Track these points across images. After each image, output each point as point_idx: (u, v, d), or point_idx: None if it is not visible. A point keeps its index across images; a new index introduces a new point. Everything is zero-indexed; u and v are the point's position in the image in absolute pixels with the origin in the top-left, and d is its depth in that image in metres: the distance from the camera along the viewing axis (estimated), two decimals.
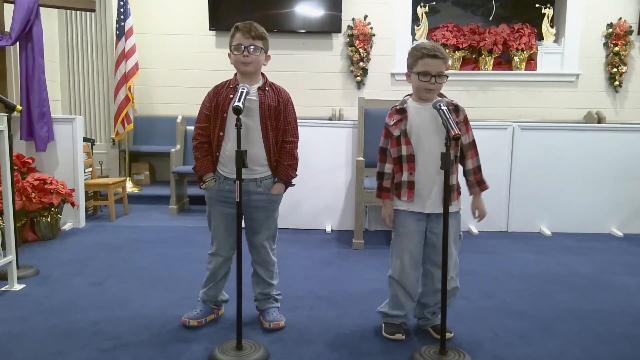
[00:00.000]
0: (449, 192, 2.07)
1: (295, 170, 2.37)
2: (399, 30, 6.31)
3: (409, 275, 2.24)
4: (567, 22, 6.30)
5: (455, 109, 2.21)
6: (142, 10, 6.20)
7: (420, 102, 2.21)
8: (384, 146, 2.26)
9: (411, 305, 2.31)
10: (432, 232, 2.22)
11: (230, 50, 2.25)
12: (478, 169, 2.25)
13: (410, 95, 2.27)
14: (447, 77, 2.16)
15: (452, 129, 1.96)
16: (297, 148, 2.37)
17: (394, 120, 2.21)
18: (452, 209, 2.18)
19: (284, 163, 2.32)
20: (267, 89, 2.29)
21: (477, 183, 2.25)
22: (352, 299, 2.76)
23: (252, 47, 2.21)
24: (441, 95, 2.21)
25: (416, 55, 2.14)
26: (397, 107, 2.24)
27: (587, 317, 2.55)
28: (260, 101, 2.25)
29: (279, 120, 2.30)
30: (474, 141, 2.25)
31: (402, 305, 2.28)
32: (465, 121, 2.23)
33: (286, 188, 2.38)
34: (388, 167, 2.25)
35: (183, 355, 2.11)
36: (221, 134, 2.27)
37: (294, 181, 2.39)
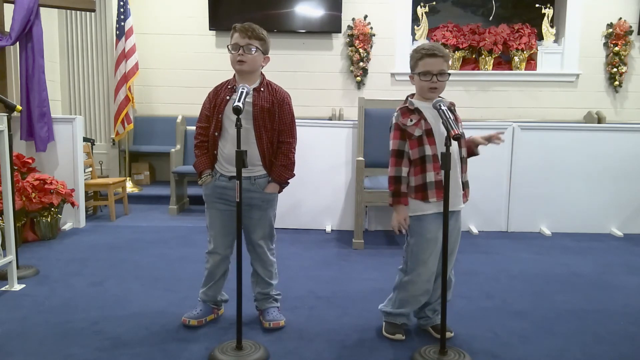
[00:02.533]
0: (448, 191, 2.07)
1: (291, 171, 2.36)
2: (399, 30, 6.31)
3: (432, 277, 2.22)
4: (567, 22, 6.29)
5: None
6: (142, 10, 6.20)
7: (426, 102, 2.19)
8: (400, 149, 2.16)
9: (425, 300, 2.29)
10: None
11: (229, 50, 2.26)
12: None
13: (412, 95, 2.26)
14: (449, 75, 2.16)
15: (453, 128, 1.96)
16: (293, 149, 2.36)
17: (413, 121, 2.15)
18: (461, 206, 2.24)
19: (277, 164, 2.32)
20: (262, 89, 2.29)
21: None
22: (352, 299, 2.76)
23: (249, 46, 2.22)
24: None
25: (416, 56, 2.15)
26: (409, 107, 2.19)
27: (587, 317, 2.55)
28: (253, 102, 2.26)
29: (274, 121, 2.30)
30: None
31: (412, 304, 2.26)
32: (460, 122, 2.25)
33: (281, 188, 2.39)
34: (405, 171, 2.18)
35: (183, 354, 2.11)
36: (216, 134, 2.29)
37: (290, 181, 2.39)
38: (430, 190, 2.15)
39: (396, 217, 2.20)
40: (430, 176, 2.15)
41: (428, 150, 2.14)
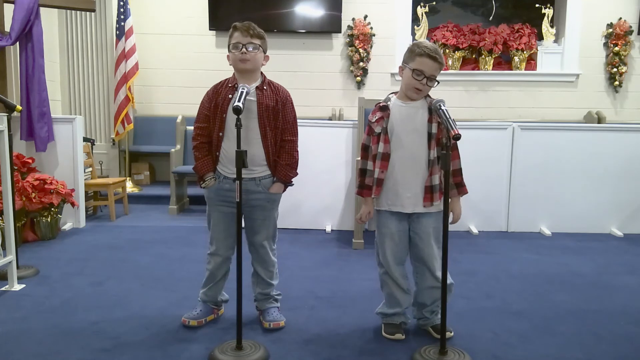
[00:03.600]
0: (448, 191, 2.07)
1: (295, 169, 2.36)
2: (399, 30, 6.31)
3: (395, 270, 2.26)
4: (567, 22, 6.30)
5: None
6: (142, 10, 6.20)
7: (404, 101, 2.22)
8: (366, 143, 2.27)
9: (408, 300, 2.31)
10: (414, 232, 2.24)
11: (229, 49, 2.26)
12: (458, 171, 2.23)
13: (395, 93, 2.28)
14: (438, 82, 2.16)
15: (453, 128, 1.96)
16: (296, 147, 2.36)
17: (376, 118, 2.22)
18: (433, 208, 2.20)
19: (282, 163, 2.32)
20: (265, 88, 2.29)
21: (456, 185, 2.23)
22: (352, 299, 2.76)
23: (250, 45, 2.21)
24: (427, 96, 2.22)
25: (417, 51, 2.13)
26: (381, 105, 2.24)
27: (587, 317, 2.55)
28: (258, 101, 2.25)
29: (278, 119, 2.30)
30: (455, 144, 2.21)
31: (398, 301, 2.29)
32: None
33: (285, 187, 2.38)
34: (370, 164, 2.25)
35: (183, 355, 2.11)
36: (220, 134, 2.27)
37: (293, 180, 2.39)
38: (375, 187, 2.22)
39: (363, 208, 2.30)
40: (376, 172, 2.21)
41: (381, 148, 2.19)
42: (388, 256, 2.25)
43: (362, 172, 2.28)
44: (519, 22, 6.37)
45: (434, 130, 2.15)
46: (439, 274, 2.19)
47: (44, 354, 2.10)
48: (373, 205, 2.28)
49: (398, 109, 2.21)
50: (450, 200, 2.22)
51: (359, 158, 2.30)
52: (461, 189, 2.24)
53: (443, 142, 2.14)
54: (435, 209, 2.20)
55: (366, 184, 2.26)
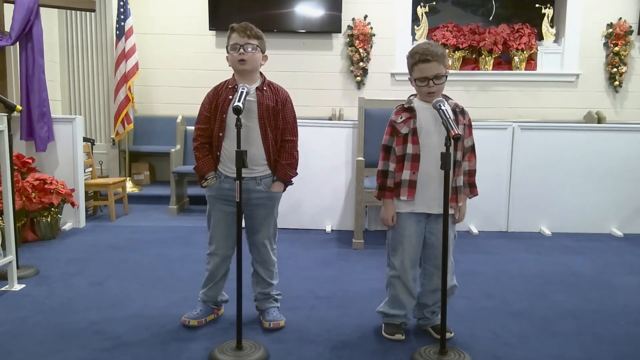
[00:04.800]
0: (449, 191, 2.07)
1: (295, 169, 2.37)
2: (399, 30, 6.31)
3: (409, 274, 2.25)
4: (567, 22, 6.30)
5: (462, 111, 2.22)
6: (142, 10, 6.20)
7: (426, 103, 2.21)
8: (388, 144, 2.23)
9: (412, 303, 2.31)
10: (431, 232, 2.23)
11: (227, 50, 2.26)
12: (473, 172, 2.27)
13: (415, 95, 2.27)
14: (446, 76, 2.15)
15: (452, 129, 1.96)
16: (296, 147, 2.37)
17: (402, 118, 2.18)
18: (451, 210, 2.20)
19: (282, 162, 2.33)
20: (265, 88, 2.29)
21: (469, 185, 2.26)
22: (352, 299, 2.76)
23: (248, 46, 2.22)
24: (446, 97, 2.21)
25: (411, 61, 2.15)
26: (405, 106, 2.22)
27: (587, 317, 2.55)
28: (258, 102, 2.26)
29: (278, 119, 2.30)
30: (474, 145, 2.28)
31: (403, 304, 2.28)
32: (469, 124, 2.24)
33: (286, 187, 2.39)
34: (392, 166, 2.22)
35: (183, 355, 2.11)
36: (221, 134, 2.28)
37: (293, 180, 2.39)
38: (403, 188, 2.18)
39: (384, 212, 2.25)
40: (406, 174, 2.17)
41: (409, 149, 2.16)
42: (405, 259, 2.23)
43: (384, 174, 2.23)
44: (519, 22, 6.37)
45: (460, 131, 2.15)
46: (448, 277, 2.18)
47: (44, 354, 2.10)
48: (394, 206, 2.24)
49: (423, 111, 2.18)
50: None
51: (380, 159, 2.24)
52: (473, 189, 2.28)
53: (464, 144, 2.18)
54: (452, 210, 2.21)
55: (388, 185, 2.22)
